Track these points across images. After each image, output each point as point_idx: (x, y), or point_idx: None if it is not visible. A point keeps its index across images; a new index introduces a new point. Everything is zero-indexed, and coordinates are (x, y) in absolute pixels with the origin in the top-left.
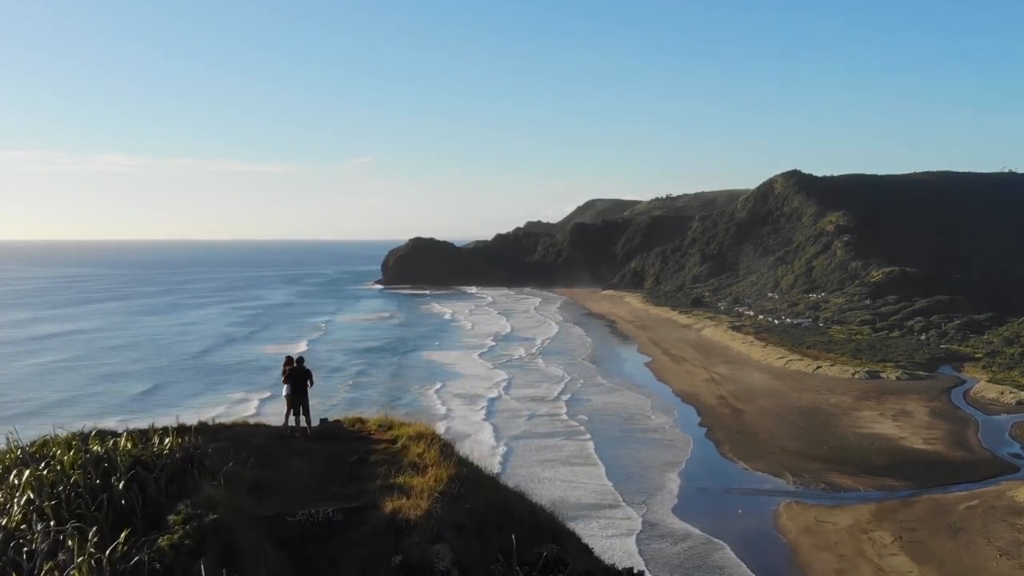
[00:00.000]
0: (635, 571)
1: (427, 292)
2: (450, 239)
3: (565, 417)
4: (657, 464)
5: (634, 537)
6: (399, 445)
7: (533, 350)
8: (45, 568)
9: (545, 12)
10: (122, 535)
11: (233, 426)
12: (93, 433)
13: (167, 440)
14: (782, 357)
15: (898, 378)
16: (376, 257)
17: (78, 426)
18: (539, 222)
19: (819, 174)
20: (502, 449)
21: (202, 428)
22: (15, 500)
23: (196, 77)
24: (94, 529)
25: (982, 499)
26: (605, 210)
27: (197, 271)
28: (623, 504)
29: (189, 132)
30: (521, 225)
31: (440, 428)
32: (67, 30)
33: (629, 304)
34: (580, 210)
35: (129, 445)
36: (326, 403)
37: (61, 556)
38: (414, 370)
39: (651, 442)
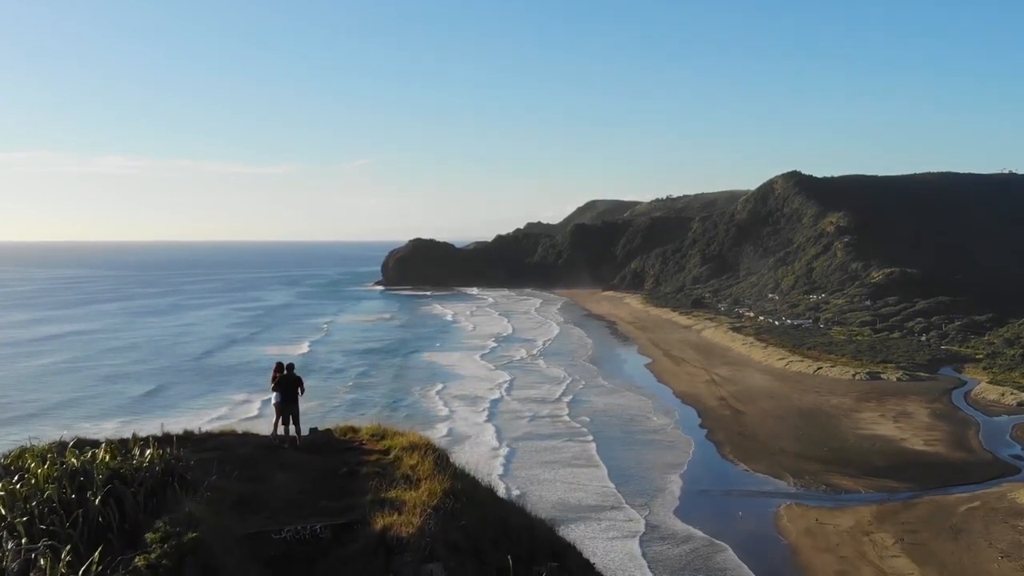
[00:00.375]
0: None
1: (428, 293)
2: (450, 240)
3: (567, 418)
4: (658, 466)
5: (637, 539)
6: (392, 456)
7: (534, 351)
8: None
9: (545, 13)
10: (96, 553)
11: (221, 435)
12: (72, 443)
13: (148, 452)
14: (782, 358)
15: (899, 379)
16: (376, 258)
17: (79, 428)
18: (539, 223)
19: (819, 175)
20: (504, 450)
21: (188, 437)
22: None
23: (196, 78)
24: (68, 547)
25: (983, 501)
26: (605, 211)
27: (197, 272)
28: (625, 506)
29: (189, 133)
30: (521, 226)
31: (442, 429)
32: (67, 31)
33: (629, 305)
34: (580, 211)
35: (107, 457)
36: (327, 404)
37: None
38: (416, 371)
39: (652, 444)
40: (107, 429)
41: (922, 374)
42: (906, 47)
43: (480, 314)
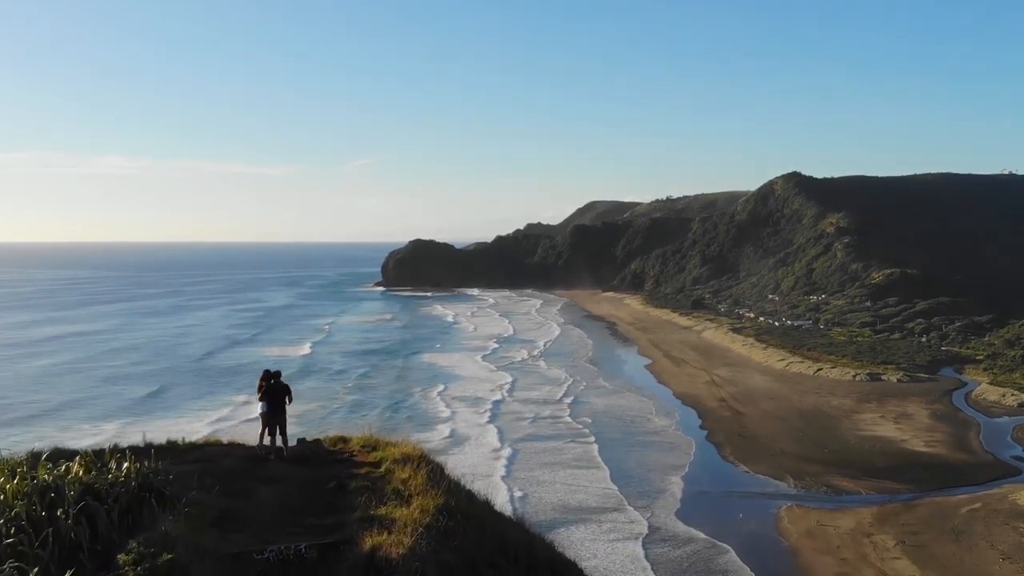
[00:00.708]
0: None
1: (429, 294)
2: (450, 241)
3: (568, 419)
4: (659, 467)
5: (640, 541)
6: (383, 469)
7: (535, 352)
8: None
9: (545, 14)
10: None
11: (205, 445)
12: (47, 455)
13: (124, 465)
14: (783, 359)
15: (899, 380)
16: (376, 259)
17: (80, 429)
18: (539, 224)
19: (819, 176)
20: (507, 451)
21: (171, 448)
22: None
23: (196, 78)
24: (36, 569)
25: (984, 502)
26: (605, 212)
27: (198, 273)
28: (628, 507)
29: (189, 133)
30: (521, 227)
31: (444, 430)
32: (67, 31)
33: (629, 306)
34: (580, 212)
35: (80, 471)
36: (329, 406)
37: None
38: (417, 372)
39: (653, 445)
40: (108, 430)
41: (922, 375)
42: (906, 48)
43: (481, 315)
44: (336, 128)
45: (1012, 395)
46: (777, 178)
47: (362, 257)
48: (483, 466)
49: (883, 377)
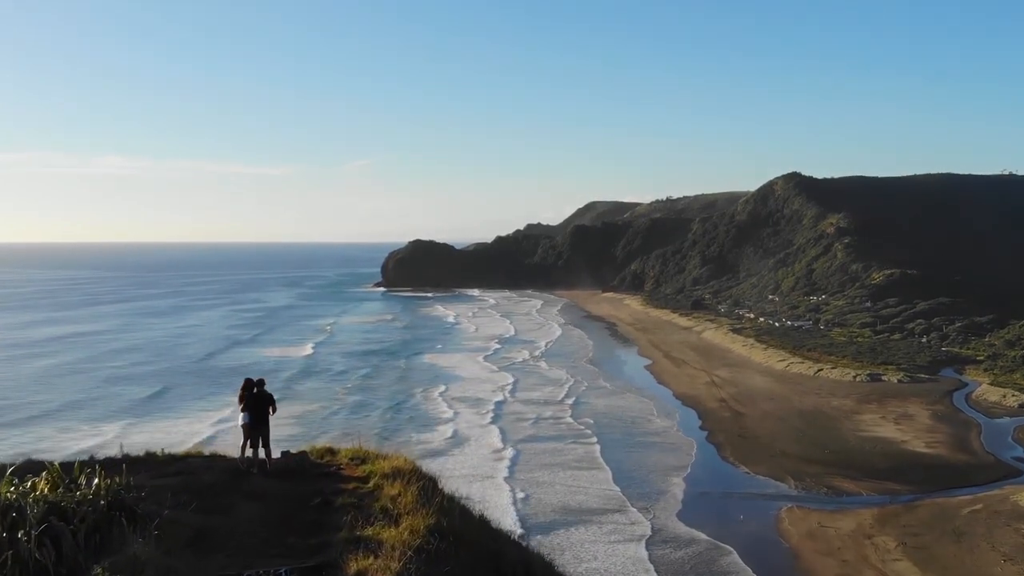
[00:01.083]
0: None
1: (430, 295)
2: (450, 241)
3: (570, 420)
4: (661, 468)
5: (643, 542)
6: (371, 485)
7: (536, 353)
8: None
9: (544, 14)
10: None
11: (186, 457)
12: (12, 468)
13: (95, 481)
14: (783, 360)
15: (899, 381)
16: (376, 259)
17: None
18: (539, 224)
19: (819, 176)
20: (509, 452)
21: (148, 459)
22: None
23: (196, 79)
24: None
25: (986, 503)
26: (605, 212)
27: (198, 273)
28: (630, 509)
29: (189, 134)
30: (521, 227)
31: (447, 431)
32: (66, 32)
33: (629, 306)
34: (580, 212)
35: (46, 488)
36: (330, 407)
37: None
38: (419, 373)
39: (654, 446)
40: (109, 431)
41: (923, 376)
42: (906, 48)
43: (482, 315)
44: (336, 128)
45: (1013, 396)
46: (777, 178)
47: (362, 257)
48: (485, 467)
49: (883, 378)
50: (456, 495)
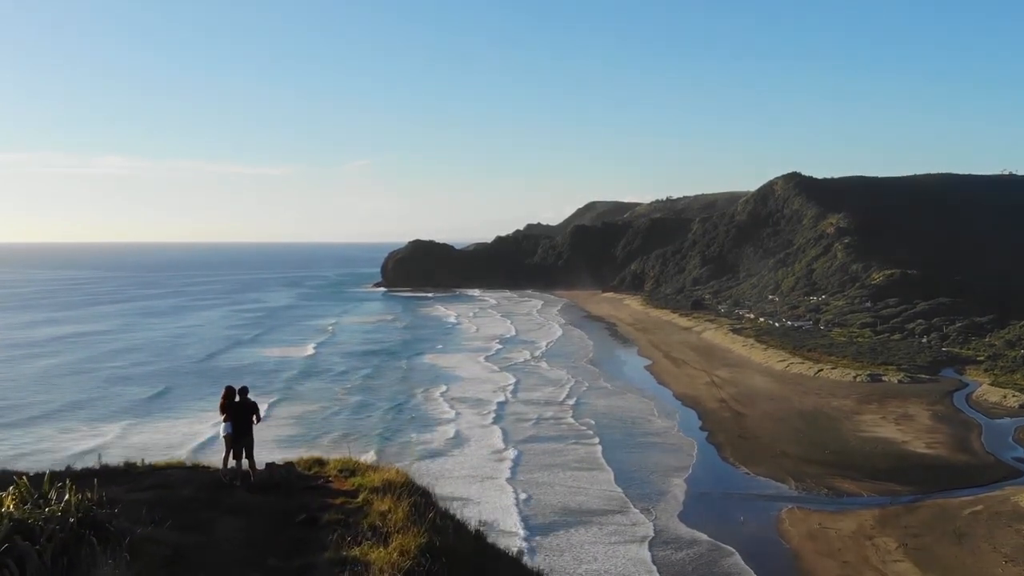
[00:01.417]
0: None
1: (430, 295)
2: (449, 241)
3: (572, 421)
4: (662, 469)
5: (646, 544)
6: (360, 499)
7: (537, 353)
8: None
9: (544, 15)
10: None
11: (167, 468)
12: None
13: (66, 496)
14: (783, 360)
15: (900, 381)
16: (376, 259)
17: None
18: (539, 224)
19: (819, 176)
20: (512, 452)
21: (127, 471)
22: None
23: (196, 79)
24: None
25: (987, 504)
26: (605, 212)
27: (198, 273)
28: (633, 510)
29: (189, 134)
30: (521, 227)
31: (449, 431)
32: (66, 32)
33: (629, 307)
34: (580, 212)
35: (11, 505)
36: (332, 407)
37: None
38: (420, 373)
39: (655, 446)
40: (111, 432)
41: (923, 376)
42: (906, 48)
43: (482, 316)
44: (336, 128)
45: (1013, 396)
46: (777, 178)
47: (362, 257)
48: (487, 468)
49: (884, 378)
50: (451, 509)
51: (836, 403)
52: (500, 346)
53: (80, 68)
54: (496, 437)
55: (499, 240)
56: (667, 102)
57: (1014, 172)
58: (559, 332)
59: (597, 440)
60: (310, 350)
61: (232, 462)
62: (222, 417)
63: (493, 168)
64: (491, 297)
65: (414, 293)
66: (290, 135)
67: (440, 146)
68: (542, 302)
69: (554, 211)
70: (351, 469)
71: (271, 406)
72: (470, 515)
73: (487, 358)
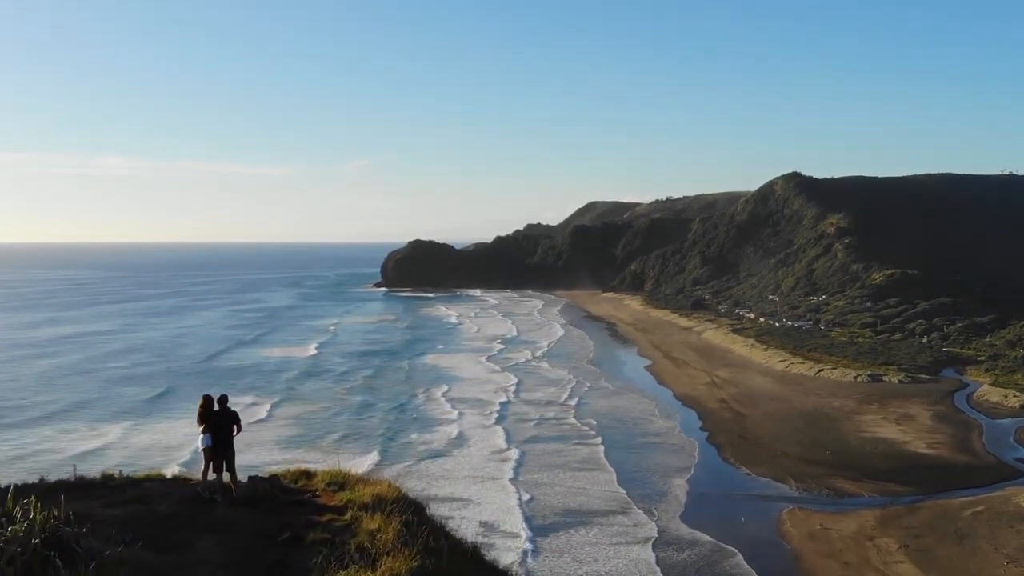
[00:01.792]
0: None
1: (431, 295)
2: (449, 241)
3: (574, 421)
4: (663, 470)
5: (650, 545)
6: (348, 517)
7: (538, 353)
8: None
9: (543, 16)
10: None
11: (146, 480)
12: None
13: (31, 513)
14: (783, 360)
15: (900, 381)
16: (376, 259)
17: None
18: (539, 224)
19: (820, 176)
20: (514, 453)
21: (105, 483)
22: None
23: (196, 79)
24: None
25: (988, 505)
26: (605, 212)
27: (199, 273)
28: (636, 510)
29: (189, 134)
30: (521, 227)
31: (452, 431)
32: (66, 32)
33: (629, 307)
34: (580, 212)
35: None
36: (333, 407)
37: None
38: (422, 374)
39: (656, 447)
40: (115, 432)
41: (924, 376)
42: (906, 48)
43: (483, 316)
44: (336, 128)
45: (1014, 396)
46: (777, 178)
47: (362, 258)
48: (490, 468)
49: (884, 378)
50: (447, 524)
51: (837, 403)
52: (501, 346)
53: (80, 68)
54: (499, 437)
55: (499, 240)
56: (667, 102)
57: (1014, 172)
58: (560, 332)
59: (599, 440)
60: (312, 350)
61: (212, 475)
62: (200, 428)
63: (493, 168)
64: (492, 297)
65: (415, 293)
66: (290, 135)
67: (440, 146)
68: (543, 302)
69: (554, 211)
70: (340, 482)
71: (273, 406)
72: (472, 515)
73: (488, 358)
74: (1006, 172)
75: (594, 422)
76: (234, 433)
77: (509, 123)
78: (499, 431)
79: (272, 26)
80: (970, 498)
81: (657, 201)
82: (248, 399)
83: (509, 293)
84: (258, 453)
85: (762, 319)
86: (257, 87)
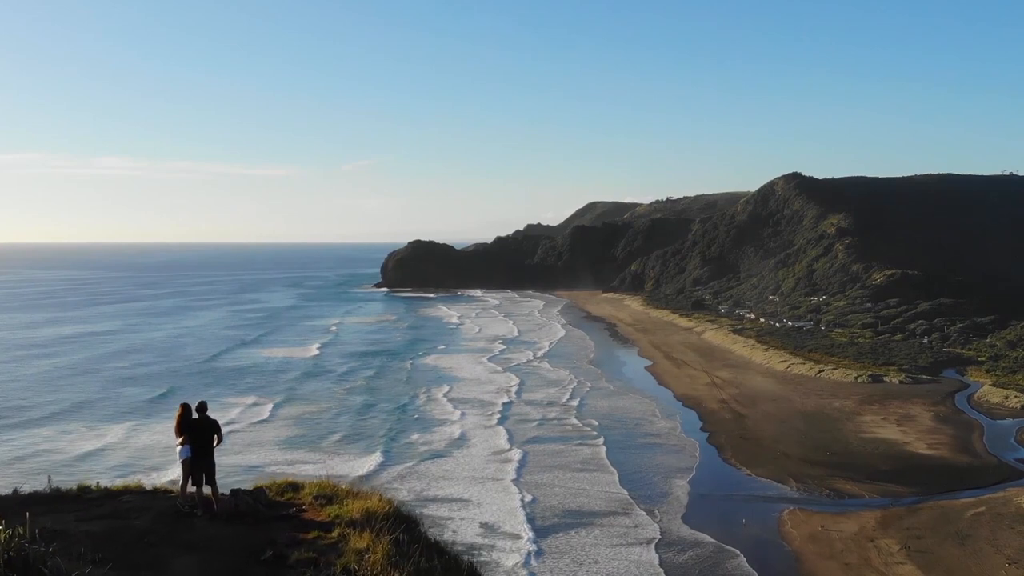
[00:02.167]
0: None
1: (432, 295)
2: (449, 241)
3: (575, 421)
4: (665, 470)
5: (652, 546)
6: (335, 534)
7: (540, 354)
8: None
9: (543, 18)
10: None
11: (124, 492)
12: None
13: None
14: (784, 360)
15: (901, 382)
16: (376, 260)
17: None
18: (539, 225)
19: (820, 176)
20: (516, 453)
21: (80, 495)
22: None
23: (195, 80)
24: None
25: (989, 506)
26: (605, 212)
27: (199, 273)
28: (638, 511)
29: (189, 135)
30: (521, 228)
31: (454, 432)
32: (65, 33)
33: (629, 307)
34: (580, 213)
35: None
36: (335, 408)
37: None
38: (423, 374)
39: (657, 448)
40: (115, 432)
41: (924, 377)
42: (906, 49)
43: (484, 316)
44: (336, 128)
45: (1015, 397)
46: (778, 178)
47: (362, 258)
48: (492, 469)
49: (885, 379)
50: (441, 540)
51: (837, 404)
52: (502, 347)
53: (80, 68)
54: (500, 438)
55: (499, 240)
56: (667, 103)
57: (1014, 172)
58: (561, 333)
59: (601, 441)
60: (313, 351)
61: (191, 488)
62: (179, 440)
63: (493, 168)
64: (492, 297)
65: (415, 293)
66: (290, 135)
67: (440, 146)
68: (543, 302)
69: (554, 211)
70: (328, 495)
71: (275, 407)
72: (474, 516)
73: (490, 359)
74: (1006, 172)
75: (595, 423)
76: (215, 443)
77: (509, 124)
78: (501, 432)
79: (273, 27)
80: (971, 499)
81: (657, 201)
82: (250, 399)
83: (509, 293)
84: (259, 454)
85: (762, 319)
86: (257, 88)
